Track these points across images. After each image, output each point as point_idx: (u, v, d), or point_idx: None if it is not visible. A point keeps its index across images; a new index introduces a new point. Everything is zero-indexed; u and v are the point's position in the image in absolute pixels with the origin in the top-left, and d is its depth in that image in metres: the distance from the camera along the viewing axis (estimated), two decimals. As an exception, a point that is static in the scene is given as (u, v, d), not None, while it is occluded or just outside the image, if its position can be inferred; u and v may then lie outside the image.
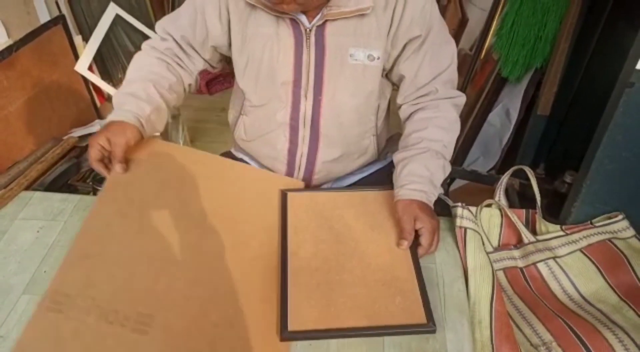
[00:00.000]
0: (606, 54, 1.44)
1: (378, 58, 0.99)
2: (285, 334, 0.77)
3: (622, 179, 0.96)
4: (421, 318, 0.79)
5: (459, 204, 0.96)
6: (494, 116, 1.91)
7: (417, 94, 1.03)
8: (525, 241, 0.98)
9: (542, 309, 0.89)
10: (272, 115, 1.06)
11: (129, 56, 1.82)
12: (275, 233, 0.93)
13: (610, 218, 0.98)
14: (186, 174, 0.99)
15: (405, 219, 0.90)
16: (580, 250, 0.96)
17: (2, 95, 1.47)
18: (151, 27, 2.30)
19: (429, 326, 0.78)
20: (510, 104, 1.84)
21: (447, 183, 1.79)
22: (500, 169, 1.84)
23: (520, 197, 1.22)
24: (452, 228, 0.97)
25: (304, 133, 1.07)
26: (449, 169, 0.99)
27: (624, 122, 0.89)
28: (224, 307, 0.80)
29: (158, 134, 1.08)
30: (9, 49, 1.52)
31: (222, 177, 1.02)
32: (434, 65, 1.00)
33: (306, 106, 1.03)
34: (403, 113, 1.07)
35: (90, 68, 2.04)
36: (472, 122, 1.96)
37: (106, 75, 2.28)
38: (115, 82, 2.34)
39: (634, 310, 0.86)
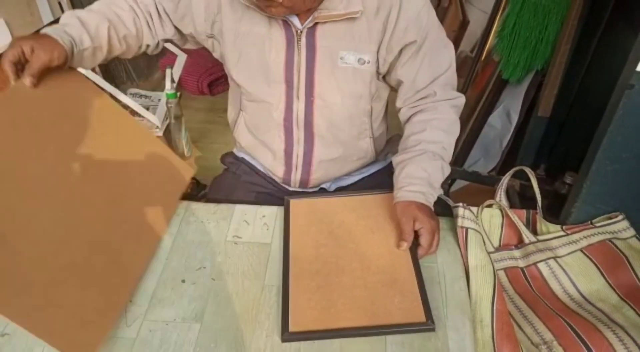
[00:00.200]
0: (606, 56, 1.44)
1: (369, 62, 0.99)
2: (287, 336, 0.78)
3: (622, 180, 0.97)
4: (420, 316, 0.80)
5: (460, 204, 0.96)
6: (495, 118, 1.91)
7: (415, 97, 1.04)
8: (526, 241, 0.98)
9: (542, 309, 0.90)
10: (269, 114, 1.07)
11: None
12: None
13: (610, 218, 0.99)
14: (78, 112, 0.94)
15: (405, 220, 0.91)
16: (581, 250, 0.96)
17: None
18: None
19: (427, 324, 0.79)
20: (511, 105, 1.84)
21: (448, 184, 1.80)
22: (501, 170, 1.84)
23: (520, 198, 1.23)
24: (453, 228, 0.98)
25: (299, 134, 1.08)
26: (448, 169, 1.00)
27: (624, 123, 0.90)
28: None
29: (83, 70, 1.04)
30: (13, 49, 1.52)
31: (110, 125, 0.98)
32: (432, 69, 1.01)
33: (299, 107, 1.04)
34: (402, 116, 1.08)
35: (92, 68, 2.05)
36: (473, 124, 1.96)
37: (108, 76, 2.29)
38: (118, 82, 2.34)
39: (634, 309, 0.87)
